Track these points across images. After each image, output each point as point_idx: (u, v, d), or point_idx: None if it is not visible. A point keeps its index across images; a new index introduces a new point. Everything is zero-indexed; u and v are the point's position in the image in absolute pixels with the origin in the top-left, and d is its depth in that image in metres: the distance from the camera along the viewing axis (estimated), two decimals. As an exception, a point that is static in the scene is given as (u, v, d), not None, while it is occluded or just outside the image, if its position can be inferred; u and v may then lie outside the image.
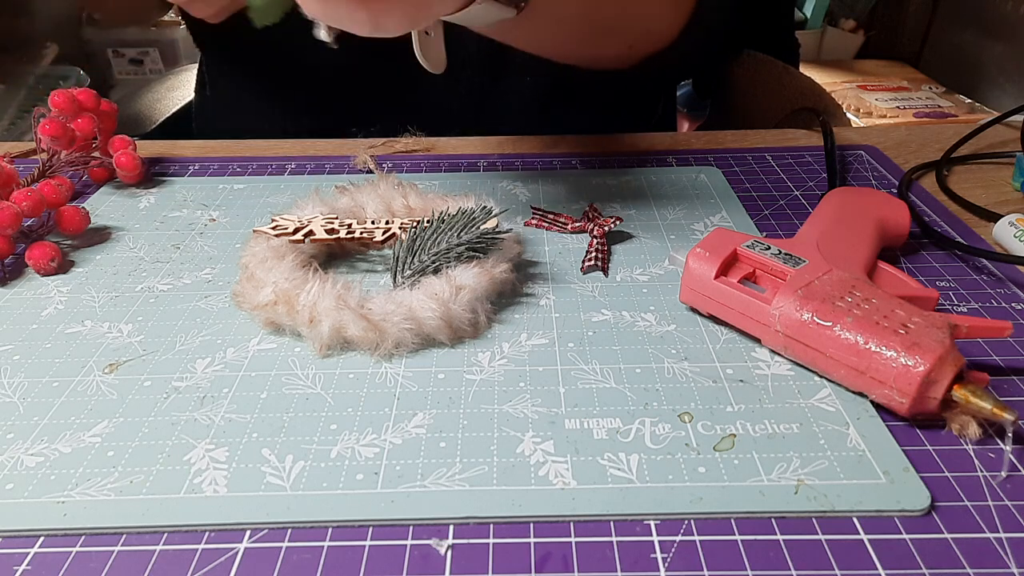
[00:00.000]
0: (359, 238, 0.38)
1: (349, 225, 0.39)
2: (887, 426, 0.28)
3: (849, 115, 1.41)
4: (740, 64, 0.73)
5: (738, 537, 0.24)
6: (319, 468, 0.27)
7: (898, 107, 1.44)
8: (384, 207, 0.41)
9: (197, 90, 0.74)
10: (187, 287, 0.38)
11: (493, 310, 0.35)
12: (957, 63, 1.55)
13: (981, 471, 0.27)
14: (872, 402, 0.29)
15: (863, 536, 0.24)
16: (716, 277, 0.33)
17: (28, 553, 0.24)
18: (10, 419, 0.29)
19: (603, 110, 0.65)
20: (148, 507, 0.25)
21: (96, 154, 0.49)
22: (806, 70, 0.73)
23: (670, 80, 0.73)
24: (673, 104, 0.76)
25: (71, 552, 0.24)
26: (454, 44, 0.43)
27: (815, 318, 0.29)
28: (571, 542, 0.24)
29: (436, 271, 0.35)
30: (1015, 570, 0.23)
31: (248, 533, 0.25)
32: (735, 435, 0.28)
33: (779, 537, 0.24)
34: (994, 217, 0.43)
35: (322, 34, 0.33)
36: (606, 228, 0.41)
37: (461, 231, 0.36)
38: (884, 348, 0.28)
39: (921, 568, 0.23)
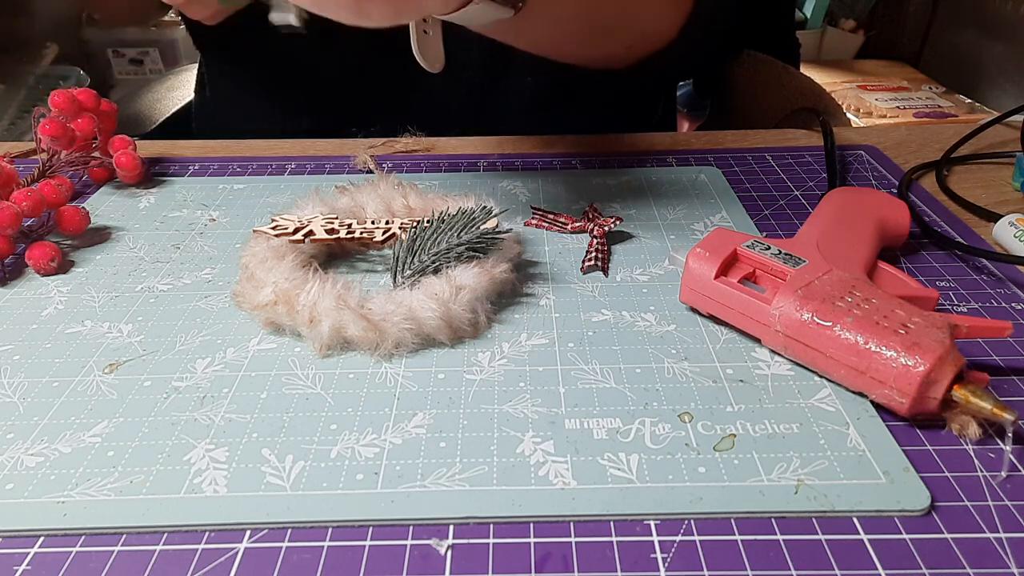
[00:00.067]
0: (359, 238, 0.38)
1: (349, 225, 0.39)
2: (887, 426, 0.28)
3: (849, 115, 1.41)
4: (740, 64, 0.73)
5: (738, 537, 0.24)
6: (319, 468, 0.27)
7: (898, 107, 1.44)
8: (384, 207, 0.41)
9: (197, 90, 0.74)
10: (187, 287, 0.38)
11: (493, 310, 0.35)
12: (957, 63, 1.55)
13: (981, 471, 0.27)
14: (872, 402, 0.29)
15: (863, 536, 0.24)
16: (716, 277, 0.33)
17: (28, 553, 0.24)
18: (10, 419, 0.29)
19: (603, 110, 0.65)
20: (148, 507, 0.25)
21: (96, 154, 0.49)
22: (806, 70, 0.73)
23: (670, 80, 0.73)
24: (673, 104, 0.76)
25: (71, 552, 0.24)
26: (454, 44, 0.43)
27: (815, 318, 0.29)
28: (571, 542, 0.24)
29: (436, 271, 0.35)
30: (1015, 570, 0.23)
31: (248, 533, 0.25)
32: (735, 435, 0.28)
33: (779, 537, 0.24)
34: (994, 217, 0.43)
35: (290, 18, 0.32)
36: (606, 228, 0.41)
37: (461, 231, 0.36)
38: (884, 348, 0.28)
39: (921, 568, 0.23)
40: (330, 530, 0.25)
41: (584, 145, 0.55)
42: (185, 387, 0.31)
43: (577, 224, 0.42)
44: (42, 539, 0.25)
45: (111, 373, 0.32)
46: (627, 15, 0.50)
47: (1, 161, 0.43)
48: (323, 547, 0.24)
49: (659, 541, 0.24)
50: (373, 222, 0.39)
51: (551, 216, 0.44)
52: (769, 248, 0.34)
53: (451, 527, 0.25)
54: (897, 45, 1.70)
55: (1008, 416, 0.26)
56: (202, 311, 0.36)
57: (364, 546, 0.24)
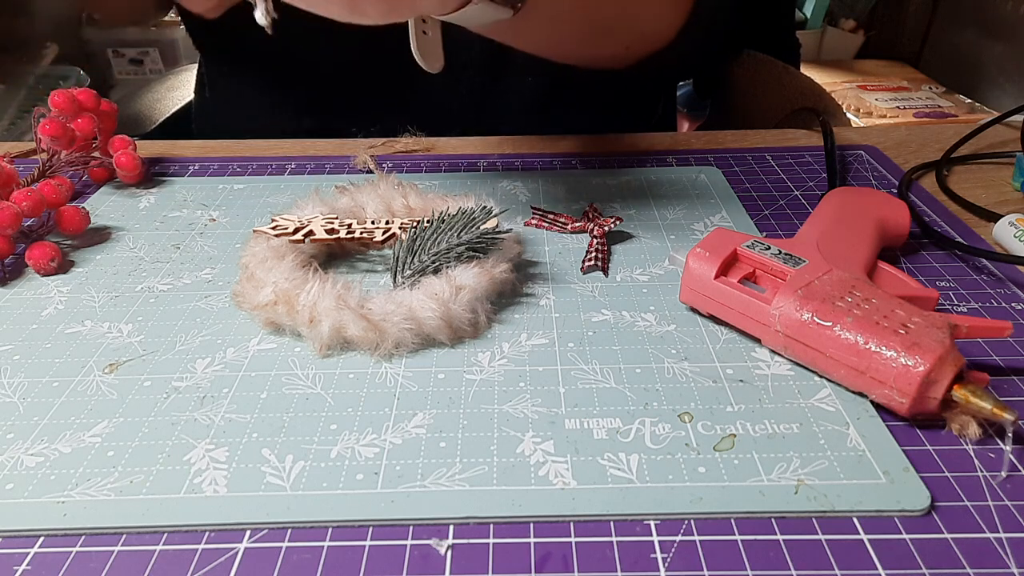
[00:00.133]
0: (359, 238, 0.38)
1: (349, 225, 0.39)
2: (887, 426, 0.28)
3: (849, 115, 1.41)
4: (740, 64, 0.73)
5: (738, 537, 0.24)
6: (319, 468, 0.27)
7: (898, 107, 1.44)
8: (384, 207, 0.41)
9: (197, 90, 0.74)
10: (187, 287, 0.38)
11: (493, 310, 0.35)
12: (957, 63, 1.55)
13: (981, 471, 0.27)
14: (872, 402, 0.29)
15: (863, 536, 0.24)
16: (716, 277, 0.33)
17: (28, 553, 0.24)
18: (10, 419, 0.29)
19: (603, 110, 0.65)
20: (148, 507, 0.25)
21: (96, 154, 0.49)
22: (806, 70, 0.73)
23: (670, 80, 0.73)
24: (673, 104, 0.76)
25: (71, 552, 0.24)
26: (455, 44, 0.43)
27: (815, 318, 0.29)
28: (571, 542, 0.24)
29: (436, 271, 0.35)
30: (1015, 570, 0.23)
31: (248, 533, 0.25)
32: (735, 435, 0.28)
33: (779, 537, 0.24)
34: (994, 217, 0.43)
35: (257, 15, 0.32)
36: (606, 228, 0.41)
37: (461, 231, 0.36)
38: (884, 348, 0.28)
39: (921, 568, 0.23)
40: (330, 530, 0.25)
41: (584, 145, 0.55)
42: (185, 387, 0.31)
43: (577, 224, 0.42)
44: (42, 539, 0.25)
45: (111, 373, 0.32)
46: (626, 15, 0.50)
47: (1, 161, 0.43)
48: (323, 547, 0.24)
49: (659, 541, 0.24)
50: (373, 222, 0.39)
51: (551, 216, 0.44)
52: (769, 248, 0.34)
53: (451, 527, 0.25)
54: (897, 45, 1.70)
55: (1008, 416, 0.26)
56: (202, 311, 0.36)
57: (364, 546, 0.24)
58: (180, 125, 0.83)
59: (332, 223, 0.39)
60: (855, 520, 0.25)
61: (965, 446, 0.28)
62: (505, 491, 0.26)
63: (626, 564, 0.23)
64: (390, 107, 0.60)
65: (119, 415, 0.29)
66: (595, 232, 0.41)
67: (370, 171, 0.50)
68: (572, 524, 0.25)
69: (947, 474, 0.26)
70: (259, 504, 0.25)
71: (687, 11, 0.52)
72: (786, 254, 0.33)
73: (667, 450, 0.27)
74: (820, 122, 0.53)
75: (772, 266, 0.33)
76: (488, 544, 0.24)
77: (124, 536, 0.25)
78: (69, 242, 0.42)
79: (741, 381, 0.31)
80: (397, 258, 0.36)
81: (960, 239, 0.41)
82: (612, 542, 0.24)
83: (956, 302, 0.36)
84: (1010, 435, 0.26)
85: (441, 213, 0.37)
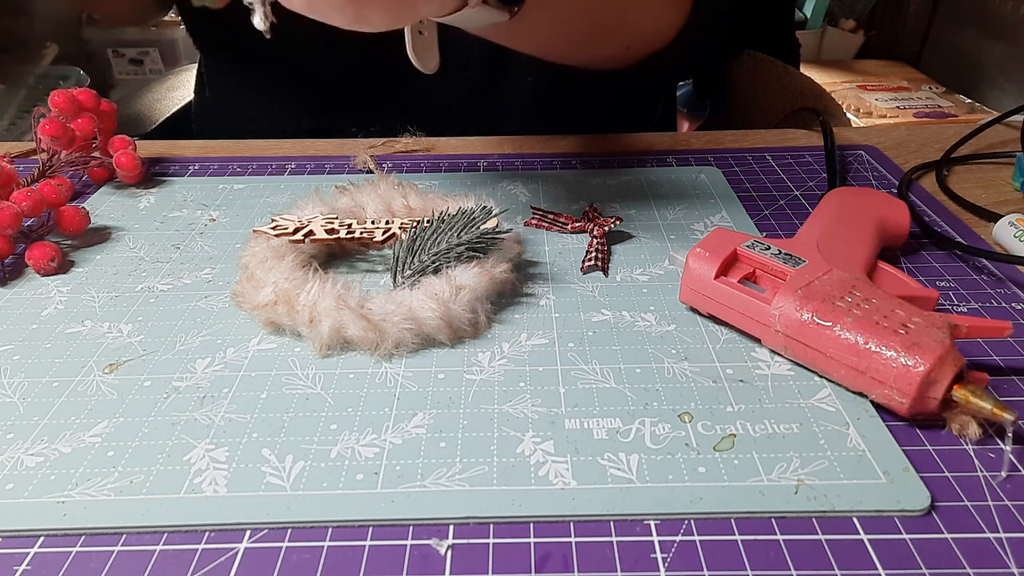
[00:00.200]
0: (359, 238, 0.38)
1: (349, 225, 0.39)
2: (887, 426, 0.28)
3: (849, 115, 1.41)
4: (740, 64, 0.73)
5: (738, 537, 0.24)
6: (319, 468, 0.27)
7: (898, 107, 1.44)
8: (384, 207, 0.41)
9: (197, 90, 0.74)
10: (187, 287, 0.38)
11: (493, 310, 0.35)
12: (957, 63, 1.55)
13: (981, 471, 0.27)
14: (872, 402, 0.29)
15: (863, 536, 0.24)
16: (716, 277, 0.33)
17: (28, 553, 0.24)
18: (10, 419, 0.29)
19: (603, 110, 0.65)
20: (148, 507, 0.25)
21: (96, 154, 0.49)
22: (806, 70, 0.73)
23: (670, 80, 0.73)
24: (673, 104, 0.76)
25: (71, 552, 0.24)
26: (454, 44, 0.43)
27: (815, 318, 0.29)
28: (571, 542, 0.24)
29: (436, 271, 0.35)
30: (1015, 570, 0.23)
31: (248, 533, 0.25)
32: (735, 435, 0.28)
33: (779, 537, 0.24)
34: (994, 217, 0.43)
35: (256, 20, 0.32)
36: (606, 228, 0.41)
37: (461, 231, 0.36)
38: (884, 348, 0.28)
39: (921, 568, 0.23)
40: (330, 530, 0.25)
41: (584, 145, 0.55)
42: (185, 387, 0.31)
43: (577, 224, 0.42)
44: (42, 539, 0.25)
45: (111, 373, 0.32)
46: (625, 17, 0.50)
47: (1, 161, 0.43)
48: (323, 547, 0.24)
49: (659, 541, 0.24)
50: (373, 222, 0.39)
51: (551, 216, 0.44)
52: (769, 248, 0.34)
53: (451, 527, 0.25)
54: (897, 45, 1.70)
55: (1008, 416, 0.26)
56: (202, 311, 0.36)
57: (364, 546, 0.24)
58: (180, 125, 0.83)
59: (332, 223, 0.39)
60: (855, 520, 0.25)
61: (965, 446, 0.28)
62: (505, 491, 0.26)
63: (626, 564, 0.23)
64: (390, 107, 0.60)
65: (119, 415, 0.29)
66: (595, 232, 0.41)
67: (370, 171, 0.50)
68: (572, 524, 0.25)
69: (947, 474, 0.26)
70: (259, 504, 0.25)
71: (687, 11, 0.52)
72: (786, 254, 0.33)
73: (667, 450, 0.27)
74: (820, 122, 0.53)
75: (772, 266, 0.33)
76: (488, 544, 0.24)
77: (124, 536, 0.25)
78: (69, 242, 0.42)
79: (741, 381, 0.31)
80: (397, 258, 0.36)
81: (960, 239, 0.41)
82: (612, 542, 0.24)
83: (956, 302, 0.36)
84: (1010, 435, 0.26)
85: (441, 213, 0.37)
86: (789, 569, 0.23)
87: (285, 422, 0.29)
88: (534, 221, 0.43)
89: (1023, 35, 1.38)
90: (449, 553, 0.24)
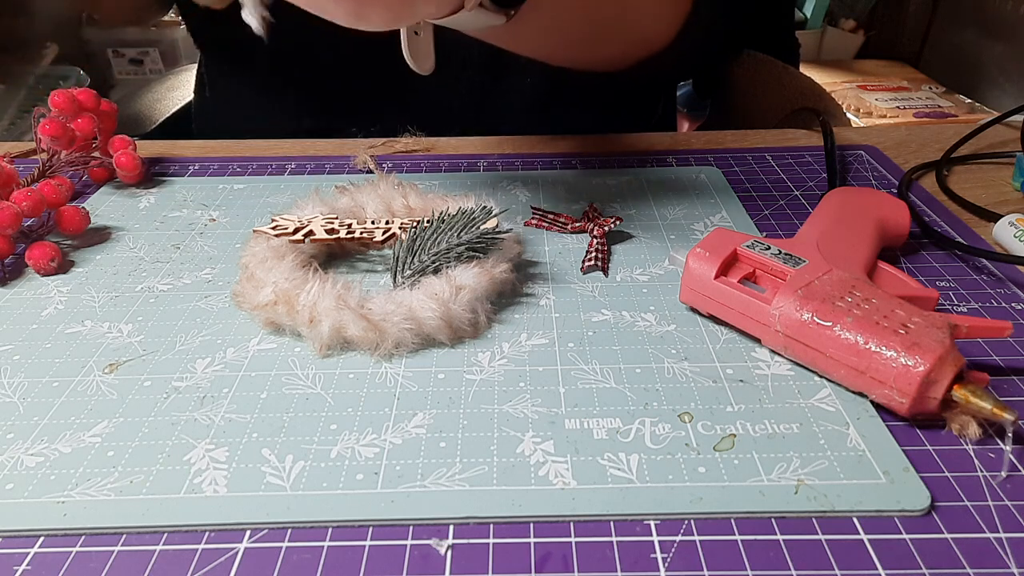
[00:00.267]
0: (359, 238, 0.38)
1: (349, 225, 0.39)
2: (887, 426, 0.28)
3: (849, 115, 1.41)
4: (740, 64, 0.73)
5: (738, 537, 0.24)
6: (319, 468, 0.27)
7: (898, 107, 1.44)
8: (384, 207, 0.42)
9: (197, 90, 0.74)
10: (187, 287, 0.38)
11: (493, 310, 0.35)
12: (957, 63, 1.55)
13: (981, 471, 0.27)
14: (872, 402, 0.29)
15: (863, 536, 0.24)
16: (716, 277, 0.33)
17: (28, 553, 0.24)
18: (10, 419, 0.29)
19: (603, 110, 0.65)
20: (148, 507, 0.25)
21: (96, 154, 0.49)
22: (806, 70, 0.73)
23: (670, 80, 0.73)
24: (673, 104, 0.76)
25: (71, 552, 0.24)
26: (455, 43, 0.43)
27: (815, 318, 0.29)
28: (571, 542, 0.24)
29: (436, 271, 0.35)
30: (1015, 570, 0.23)
31: (248, 533, 0.25)
32: (735, 435, 0.28)
33: (779, 537, 0.24)
34: (994, 217, 0.43)
35: (250, 20, 0.32)
36: (606, 228, 0.41)
37: (461, 231, 0.36)
38: (884, 348, 0.28)
39: (921, 568, 0.23)
40: (330, 530, 0.25)
41: (584, 145, 0.55)
42: (185, 387, 0.31)
43: (577, 224, 0.42)
44: (42, 539, 0.25)
45: (111, 373, 0.32)
46: (625, 18, 0.50)
47: (1, 161, 0.43)
48: (323, 547, 0.24)
49: (659, 541, 0.24)
50: (373, 222, 0.39)
51: (551, 216, 0.44)
52: (769, 248, 0.34)
53: (451, 527, 0.25)
54: (897, 45, 1.70)
55: (1008, 416, 0.26)
56: (202, 311, 0.36)
57: (364, 546, 0.24)
58: (180, 125, 0.83)
59: (332, 223, 0.39)
60: (855, 520, 0.25)
61: (965, 446, 0.28)
62: (505, 491, 0.26)
63: (626, 564, 0.23)
64: (390, 107, 0.60)
65: (119, 415, 0.29)
66: (595, 232, 0.41)
67: (370, 171, 0.50)
68: (572, 524, 0.25)
69: (947, 474, 0.26)
70: (259, 504, 0.25)
71: (686, 11, 0.52)
72: (786, 254, 0.33)
73: (667, 450, 0.27)
74: (820, 122, 0.53)
75: (772, 266, 0.33)
76: (488, 544, 0.24)
77: (124, 536, 0.25)
78: (69, 242, 0.42)
79: (741, 381, 0.31)
80: (397, 258, 0.36)
81: (960, 239, 0.41)
82: (612, 542, 0.24)
83: (956, 302, 0.36)
84: (1010, 435, 0.26)
85: (441, 213, 0.37)
86: (789, 569, 0.23)
87: (285, 422, 0.29)
88: (534, 221, 0.43)
89: (1023, 35, 1.38)
90: (449, 553, 0.24)
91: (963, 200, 0.46)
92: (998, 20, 1.44)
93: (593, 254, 0.39)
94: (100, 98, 0.50)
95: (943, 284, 0.37)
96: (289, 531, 0.25)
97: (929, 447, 0.28)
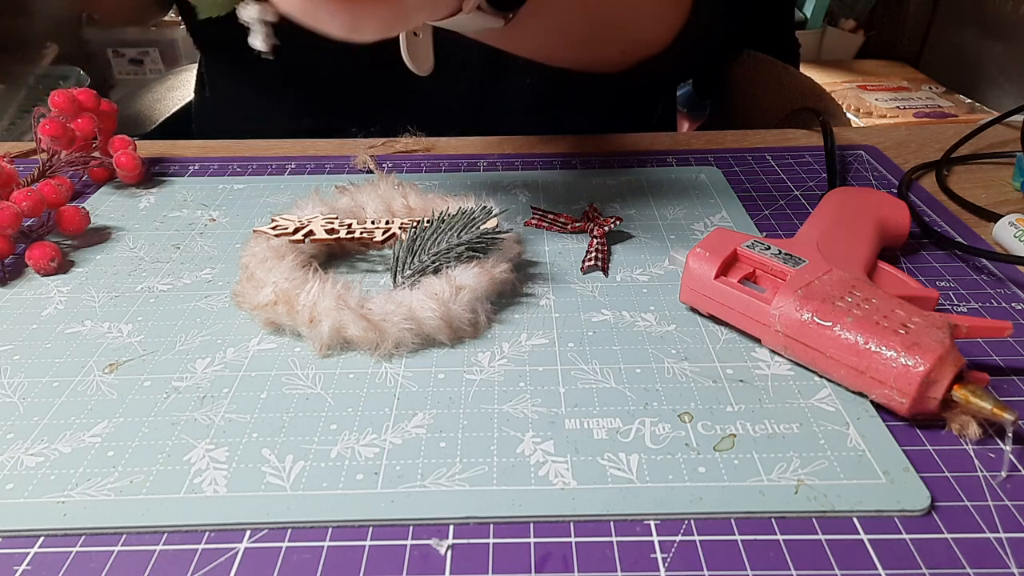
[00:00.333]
0: (359, 238, 0.38)
1: (349, 225, 0.39)
2: (887, 426, 0.28)
3: (849, 115, 1.41)
4: (740, 64, 0.73)
5: (738, 537, 0.24)
6: (319, 468, 0.27)
7: (898, 107, 1.44)
8: (384, 207, 0.42)
9: (197, 90, 0.74)
10: (187, 287, 0.38)
11: (493, 310, 0.35)
12: (957, 63, 1.55)
13: (981, 471, 0.27)
14: (872, 402, 0.29)
15: (863, 536, 0.24)
16: (716, 277, 0.33)
17: (28, 553, 0.24)
18: (10, 419, 0.29)
19: (603, 110, 0.65)
20: (148, 507, 0.25)
21: (96, 154, 0.49)
22: (806, 70, 0.73)
23: (670, 81, 0.73)
24: (673, 104, 0.76)
25: (71, 552, 0.24)
26: (454, 44, 0.43)
27: (815, 318, 0.29)
28: (571, 542, 0.24)
29: (436, 271, 0.35)
30: (1015, 570, 0.23)
31: (248, 533, 0.25)
32: (735, 435, 0.28)
33: (779, 537, 0.24)
34: (994, 217, 0.43)
35: (256, 43, 0.33)
36: (606, 228, 0.41)
37: (461, 231, 0.36)
38: (884, 348, 0.28)
39: (921, 568, 0.23)
40: (330, 530, 0.25)
41: (584, 145, 0.55)
42: (185, 387, 0.31)
43: (577, 224, 0.42)
44: (42, 539, 0.25)
45: (111, 373, 0.32)
46: (624, 19, 0.50)
47: (1, 161, 0.43)
48: (323, 547, 0.24)
49: (659, 541, 0.24)
50: (373, 222, 0.39)
51: (551, 216, 0.44)
52: (769, 248, 0.34)
53: (451, 527, 0.25)
54: (897, 45, 1.70)
55: (1008, 416, 0.26)
56: (202, 311, 0.36)
57: (364, 546, 0.24)
58: (180, 125, 0.83)
59: (332, 223, 0.39)
60: (855, 520, 0.25)
61: (965, 446, 0.28)
62: (505, 491, 0.26)
63: (626, 564, 0.23)
64: (390, 107, 0.60)
65: (119, 415, 0.29)
66: (595, 232, 0.41)
67: (370, 171, 0.50)
68: (572, 524, 0.25)
69: (947, 474, 0.26)
70: (259, 504, 0.25)
71: (686, 12, 0.52)
72: (786, 254, 0.33)
73: (667, 450, 0.27)
74: (820, 122, 0.53)
75: (772, 266, 0.33)
76: (488, 544, 0.24)
77: (124, 536, 0.25)
78: (69, 242, 0.42)
79: (741, 381, 0.31)
80: (397, 258, 0.36)
81: (960, 239, 0.41)
82: (612, 542, 0.24)
83: (956, 302, 0.36)
84: (1010, 435, 0.26)
85: (441, 213, 0.37)
86: (789, 569, 0.23)
87: (285, 422, 0.29)
88: (534, 221, 0.43)
89: (1023, 35, 1.38)
90: (449, 553, 0.24)
91: (963, 200, 0.46)
92: (998, 20, 1.44)
93: (593, 254, 0.39)
94: (100, 98, 0.50)
95: (943, 284, 0.37)
96: (289, 531, 0.25)
97: (929, 447, 0.28)
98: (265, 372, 0.32)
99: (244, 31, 0.34)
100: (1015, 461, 0.27)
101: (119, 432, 0.28)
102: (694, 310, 0.35)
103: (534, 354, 0.33)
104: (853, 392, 0.30)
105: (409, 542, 0.24)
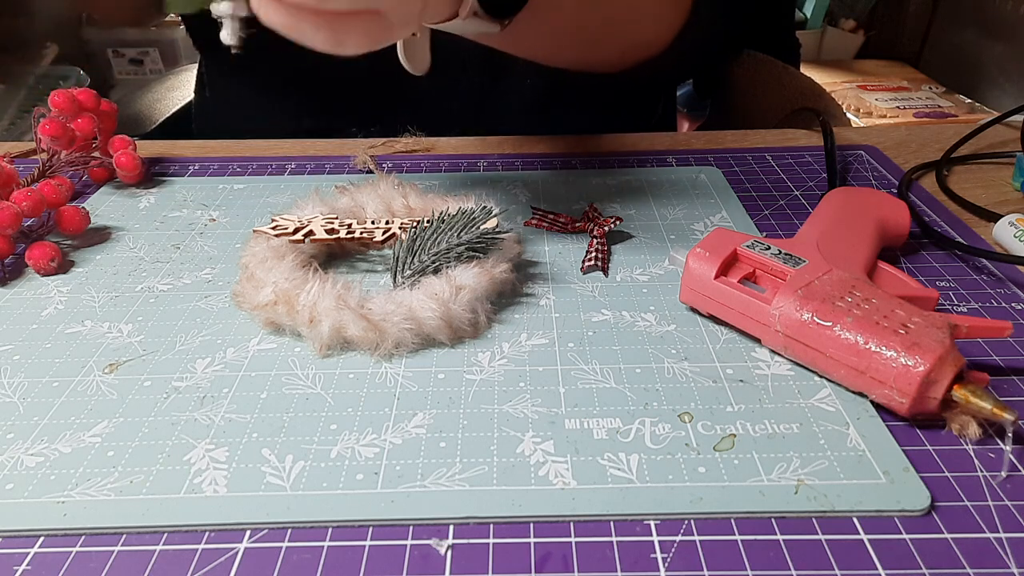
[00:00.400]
0: (359, 238, 0.38)
1: (349, 225, 0.39)
2: (887, 426, 0.28)
3: (849, 115, 1.41)
4: (740, 64, 0.73)
5: (738, 537, 0.24)
6: (319, 468, 0.27)
7: (898, 107, 1.43)
8: (384, 207, 0.41)
9: (197, 90, 0.74)
10: (187, 287, 0.38)
11: (493, 310, 0.35)
12: (957, 63, 1.55)
13: (981, 471, 0.27)
14: (872, 402, 0.29)
15: (863, 536, 0.24)
16: (716, 277, 0.33)
17: (28, 553, 0.24)
18: (10, 419, 0.29)
19: (603, 110, 0.65)
20: (148, 507, 0.25)
21: (96, 154, 0.49)
22: (806, 70, 0.73)
23: (670, 81, 0.73)
24: (673, 104, 0.76)
25: (71, 552, 0.24)
26: (454, 45, 0.43)
27: (815, 318, 0.29)
28: (571, 542, 0.24)
29: (436, 271, 0.35)
30: (1015, 570, 0.23)
31: (248, 533, 0.25)
32: (735, 435, 0.28)
33: (779, 537, 0.24)
34: (994, 217, 0.43)
35: (226, 37, 0.33)
36: (606, 228, 0.41)
37: (461, 231, 0.36)
38: (884, 348, 0.28)
39: (921, 568, 0.23)
40: (330, 530, 0.25)
41: (584, 145, 0.55)
42: (185, 387, 0.31)
43: (577, 224, 0.42)
44: (42, 539, 0.25)
45: (111, 373, 0.32)
46: (623, 20, 0.50)
47: (1, 161, 0.43)
48: (323, 547, 0.24)
49: (659, 541, 0.24)
50: (373, 222, 0.39)
51: (551, 216, 0.44)
52: (769, 248, 0.34)
53: (451, 527, 0.25)
54: (897, 45, 1.70)
55: (1008, 416, 0.26)
56: (202, 311, 0.36)
57: (364, 546, 0.24)
58: (180, 125, 0.83)
59: (332, 223, 0.39)
60: (855, 520, 0.25)
61: (965, 446, 0.28)
62: (505, 491, 0.26)
63: (626, 564, 0.23)
64: (390, 107, 0.60)
65: (119, 415, 0.29)
66: (595, 232, 0.41)
67: (370, 171, 0.50)
68: (572, 524, 0.25)
69: (947, 474, 0.26)
70: (259, 504, 0.25)
71: (686, 12, 0.52)
72: (786, 254, 0.33)
73: (667, 450, 0.27)
74: (820, 122, 0.53)
75: (772, 266, 0.33)
76: (488, 544, 0.24)
77: (124, 536, 0.25)
78: (69, 242, 0.42)
79: (741, 381, 0.31)
80: (397, 258, 0.36)
81: (960, 239, 0.41)
82: (612, 542, 0.24)
83: (956, 302, 0.36)
84: (1010, 435, 0.26)
85: (441, 213, 0.37)
86: (789, 569, 0.23)
87: (285, 422, 0.29)
88: (534, 221, 0.43)
89: (1023, 35, 1.38)
90: (449, 553, 0.24)
91: (963, 200, 0.46)
92: (998, 20, 1.44)
93: (593, 254, 0.39)
94: (100, 98, 0.50)
95: (943, 284, 0.37)
96: (289, 531, 0.25)
97: (929, 447, 0.28)
98: (265, 372, 0.32)
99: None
100: (1015, 461, 0.27)
101: (119, 432, 0.28)
102: (694, 310, 0.35)
103: (534, 354, 0.33)
104: (853, 392, 0.30)
105: (409, 542, 0.24)
